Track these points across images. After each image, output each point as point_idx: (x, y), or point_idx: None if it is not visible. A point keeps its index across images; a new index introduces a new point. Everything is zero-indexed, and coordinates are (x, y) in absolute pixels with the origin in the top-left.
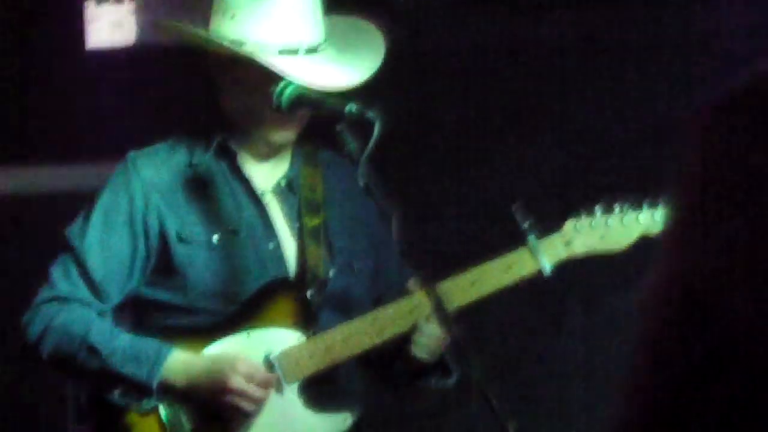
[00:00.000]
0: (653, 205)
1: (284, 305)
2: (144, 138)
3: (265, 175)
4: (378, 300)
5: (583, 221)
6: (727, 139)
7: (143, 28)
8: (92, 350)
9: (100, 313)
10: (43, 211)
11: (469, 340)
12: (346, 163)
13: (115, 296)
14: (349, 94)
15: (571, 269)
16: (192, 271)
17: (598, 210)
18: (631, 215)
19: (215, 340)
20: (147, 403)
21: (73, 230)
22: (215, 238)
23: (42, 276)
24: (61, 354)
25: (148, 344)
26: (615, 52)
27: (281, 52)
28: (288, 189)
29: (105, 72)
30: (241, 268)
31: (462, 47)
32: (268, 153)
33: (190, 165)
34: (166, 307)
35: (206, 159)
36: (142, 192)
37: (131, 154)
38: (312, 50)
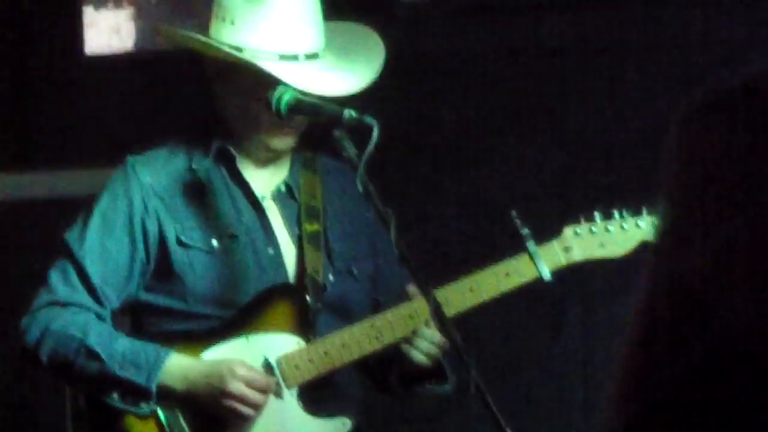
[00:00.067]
0: (653, 210)
1: (283, 310)
2: (142, 143)
3: (265, 180)
4: (377, 305)
5: (583, 227)
6: (727, 139)
7: (141, 33)
8: (91, 354)
9: (99, 318)
10: (41, 216)
11: (468, 343)
12: (346, 168)
13: (114, 300)
14: (349, 96)
15: (571, 271)
16: (191, 276)
17: (597, 216)
18: (631, 221)
19: (214, 344)
20: (146, 407)
21: (71, 234)
22: (214, 242)
23: (41, 280)
24: (60, 358)
25: (147, 348)
26: (614, 53)
27: (281, 58)
28: (287, 194)
29: (103, 77)
30: (240, 274)
31: (462, 48)
32: (268, 158)
33: (190, 169)
34: (165, 311)
35: (206, 164)
36: (141, 196)
37: (130, 158)
38: (312, 56)
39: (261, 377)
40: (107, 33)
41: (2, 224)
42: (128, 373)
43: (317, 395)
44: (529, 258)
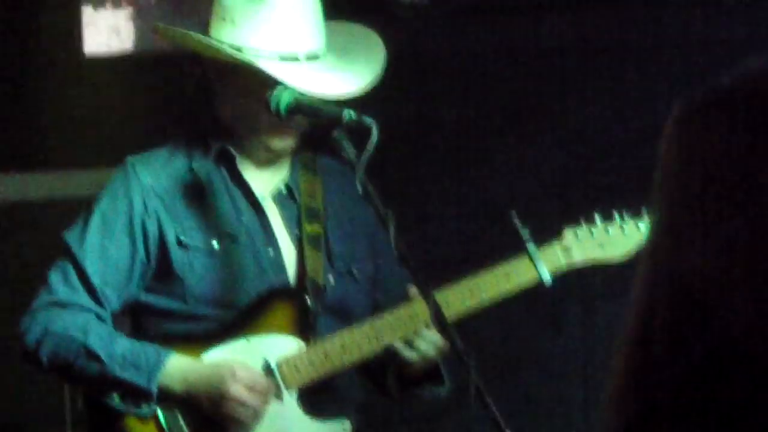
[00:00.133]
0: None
1: (283, 312)
2: (141, 143)
3: (265, 181)
4: (377, 307)
5: (583, 229)
6: (727, 139)
7: (140, 33)
8: (91, 355)
9: (99, 318)
10: (39, 217)
11: (468, 344)
12: (346, 169)
13: (114, 301)
14: (347, 99)
15: (571, 275)
16: (191, 277)
17: (597, 218)
18: (631, 223)
19: (214, 346)
20: (146, 409)
21: (71, 235)
22: (214, 243)
23: (40, 280)
24: (60, 359)
25: (148, 349)
26: (614, 53)
27: (281, 59)
28: (288, 195)
29: (102, 77)
30: (240, 275)
31: (462, 48)
32: (268, 159)
33: (190, 170)
34: (165, 312)
35: (206, 164)
36: (141, 197)
37: (130, 158)
38: (312, 57)
39: (261, 381)
40: (106, 33)
41: (1, 224)
42: (128, 374)
43: (317, 397)
44: (528, 259)
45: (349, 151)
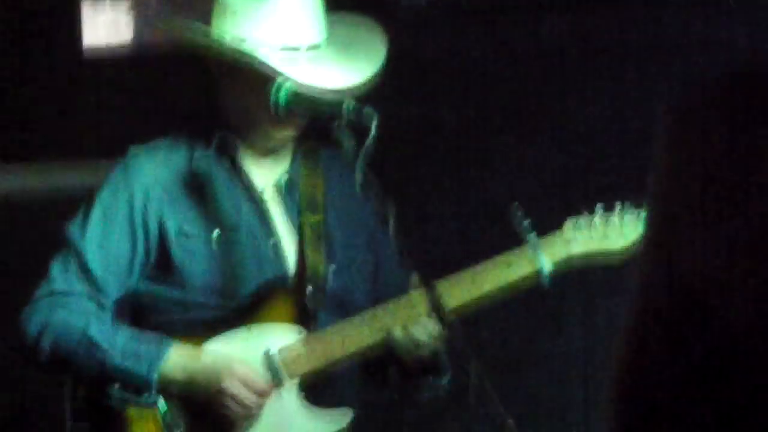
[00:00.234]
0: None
1: (283, 303)
2: (141, 136)
3: (266, 173)
4: (377, 298)
5: (584, 220)
6: (727, 139)
7: (140, 27)
8: (92, 345)
9: (101, 309)
10: (40, 210)
11: (467, 338)
12: (348, 161)
13: (115, 292)
14: (348, 93)
15: (571, 269)
16: (191, 268)
17: (599, 209)
18: (632, 214)
19: (215, 336)
20: (146, 398)
21: (72, 226)
22: (215, 235)
23: (40, 273)
24: (61, 349)
25: (148, 339)
26: (614, 53)
27: (282, 51)
28: (288, 187)
29: (101, 71)
30: (240, 266)
31: (462, 49)
32: (268, 151)
33: (191, 162)
34: (166, 302)
35: (207, 156)
36: (141, 188)
37: (131, 150)
38: (313, 49)
39: (259, 380)
40: (105, 27)
41: (2, 215)
42: (129, 363)
43: (318, 387)
44: (530, 250)
45: (349, 143)
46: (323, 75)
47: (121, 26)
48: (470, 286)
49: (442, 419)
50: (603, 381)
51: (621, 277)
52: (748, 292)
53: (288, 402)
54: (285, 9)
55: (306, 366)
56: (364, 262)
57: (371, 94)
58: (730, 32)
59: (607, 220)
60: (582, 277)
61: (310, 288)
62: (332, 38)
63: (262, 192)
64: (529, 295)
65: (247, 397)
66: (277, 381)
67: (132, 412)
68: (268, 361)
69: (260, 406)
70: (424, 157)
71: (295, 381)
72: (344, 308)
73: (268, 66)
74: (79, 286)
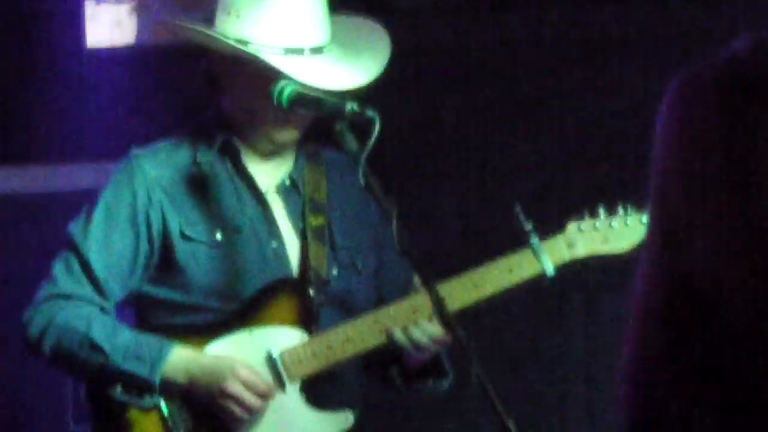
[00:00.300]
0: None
1: (286, 304)
2: (144, 137)
3: (269, 173)
4: (380, 299)
5: (587, 222)
6: (727, 138)
7: (143, 27)
8: (94, 347)
9: (103, 310)
10: (42, 211)
11: (469, 340)
12: (351, 162)
13: (118, 293)
14: (349, 93)
15: (573, 268)
16: (194, 269)
17: (601, 211)
18: (635, 216)
19: (217, 338)
20: (148, 400)
21: (75, 227)
22: (218, 236)
23: (42, 275)
24: (63, 351)
25: (151, 341)
26: (617, 48)
27: (286, 52)
28: (292, 188)
29: (104, 71)
30: (244, 267)
31: (462, 43)
32: (272, 152)
33: (194, 163)
34: (168, 304)
35: (210, 157)
36: (145, 189)
37: (134, 151)
38: (317, 50)
39: (261, 382)
40: (109, 26)
41: (3, 217)
42: (131, 366)
43: (320, 389)
44: (532, 253)
45: (352, 143)
46: (327, 75)
47: (124, 27)
48: (472, 289)
49: (443, 420)
50: (604, 380)
51: (622, 276)
52: (748, 290)
53: (290, 404)
54: (288, 10)
55: (308, 368)
56: (368, 263)
57: (371, 90)
58: (733, 27)
59: (609, 223)
60: (584, 271)
61: (312, 290)
62: (335, 39)
63: (265, 193)
64: (531, 289)
65: (250, 398)
66: (279, 383)
67: (134, 413)
68: (270, 363)
69: (262, 408)
70: (426, 156)
71: (297, 383)
72: (347, 308)
73: (272, 67)
74: (81, 288)
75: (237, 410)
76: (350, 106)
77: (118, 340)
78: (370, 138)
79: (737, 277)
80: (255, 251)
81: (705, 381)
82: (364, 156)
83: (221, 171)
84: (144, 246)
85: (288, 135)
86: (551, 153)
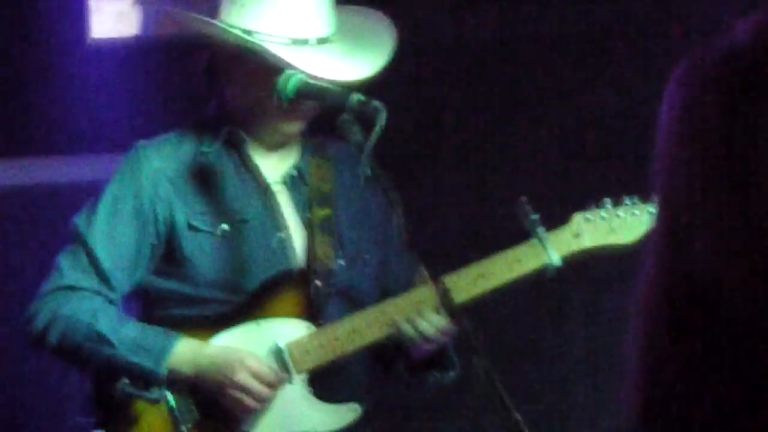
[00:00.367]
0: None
1: (293, 296)
2: (148, 129)
3: (274, 165)
4: (386, 291)
5: (593, 213)
6: (727, 137)
7: (147, 18)
8: (100, 339)
9: (109, 302)
10: (46, 203)
11: (475, 333)
12: (356, 154)
13: (124, 285)
14: (351, 87)
15: (575, 263)
16: (200, 261)
17: (607, 202)
18: (641, 207)
19: (223, 330)
20: (155, 393)
21: (81, 219)
22: (224, 227)
23: (46, 267)
24: (69, 343)
25: (156, 333)
26: (621, 40)
27: (291, 43)
28: (297, 180)
29: (108, 63)
30: (249, 259)
31: (465, 36)
32: (277, 144)
33: (200, 154)
34: (174, 296)
35: (216, 148)
36: (150, 181)
37: (139, 143)
38: (322, 41)
39: (270, 372)
40: (113, 18)
41: (6, 210)
42: (138, 358)
43: (327, 381)
44: (538, 244)
45: (357, 134)
46: (332, 67)
47: (128, 18)
48: (478, 281)
49: (449, 414)
50: (607, 376)
51: (626, 267)
52: (750, 289)
53: (297, 396)
54: (293, 2)
55: (315, 360)
56: (373, 255)
57: (375, 82)
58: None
59: (616, 213)
60: (586, 266)
61: (318, 282)
62: (341, 31)
63: (270, 185)
64: (533, 284)
65: (259, 387)
66: (285, 375)
67: (140, 406)
68: (277, 354)
69: (270, 399)
70: (429, 145)
71: (304, 375)
72: (353, 300)
73: (277, 58)
74: (87, 281)
75: (246, 400)
76: (356, 97)
77: (124, 332)
78: (375, 128)
79: (737, 277)
80: (261, 242)
81: (705, 381)
82: (369, 146)
83: (227, 163)
84: (150, 238)
85: (293, 126)
86: (553, 150)
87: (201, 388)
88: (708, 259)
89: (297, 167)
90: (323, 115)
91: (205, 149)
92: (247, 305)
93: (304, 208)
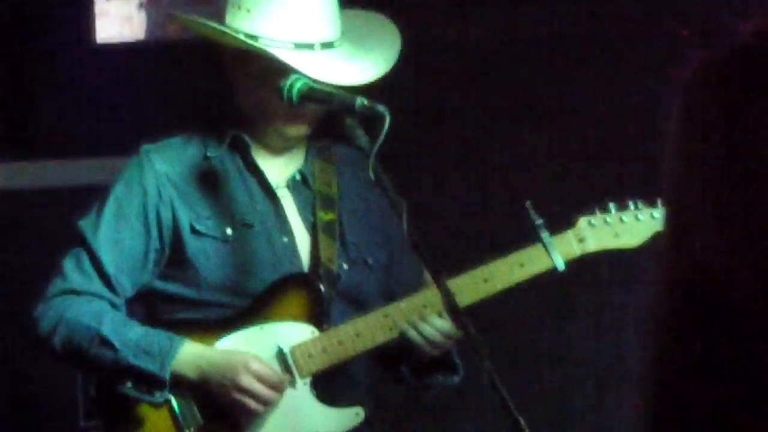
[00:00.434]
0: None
1: (297, 299)
2: (153, 132)
3: (280, 169)
4: (390, 295)
5: (597, 217)
6: (729, 138)
7: (153, 22)
8: (105, 342)
9: (113, 306)
10: (52, 206)
11: (480, 337)
12: (361, 157)
13: (128, 289)
14: (355, 89)
15: (578, 266)
16: (205, 264)
17: (612, 206)
18: (645, 211)
19: (227, 333)
20: (159, 396)
21: (85, 222)
22: (228, 231)
23: (48, 271)
24: (74, 346)
25: (161, 337)
26: (628, 41)
27: (296, 47)
28: (302, 183)
29: (114, 66)
30: (254, 262)
31: (470, 37)
32: (282, 147)
33: (205, 158)
34: (179, 300)
35: (221, 152)
36: (155, 184)
37: (145, 146)
38: (327, 45)
39: (274, 375)
40: (119, 22)
41: (12, 212)
42: (141, 362)
43: (330, 385)
44: (543, 248)
45: (362, 138)
46: (337, 70)
47: (134, 22)
48: (483, 284)
49: (453, 417)
50: (613, 377)
51: (630, 267)
52: (751, 289)
53: (301, 400)
54: (299, 5)
55: (319, 363)
56: (378, 258)
57: (380, 84)
58: (734, 29)
59: (620, 218)
60: (591, 266)
61: (323, 284)
62: (346, 34)
63: (275, 189)
64: (538, 284)
65: (263, 390)
66: (290, 379)
67: (145, 409)
68: (281, 358)
69: (274, 402)
70: (433, 146)
71: (308, 379)
72: (357, 304)
73: (282, 62)
74: (92, 284)
75: (251, 403)
76: (360, 101)
77: (128, 336)
78: (380, 133)
79: (738, 276)
80: (265, 246)
81: (705, 381)
82: (374, 151)
83: (231, 166)
84: (154, 241)
85: (298, 130)
86: (554, 150)
87: (204, 392)
88: (708, 259)
89: (301, 171)
90: (328, 118)
91: (209, 153)
92: (251, 309)
93: (309, 211)
